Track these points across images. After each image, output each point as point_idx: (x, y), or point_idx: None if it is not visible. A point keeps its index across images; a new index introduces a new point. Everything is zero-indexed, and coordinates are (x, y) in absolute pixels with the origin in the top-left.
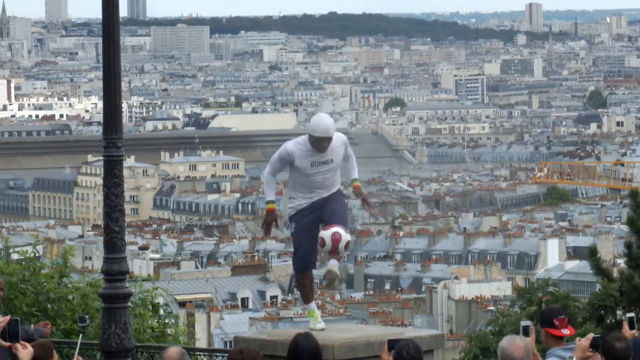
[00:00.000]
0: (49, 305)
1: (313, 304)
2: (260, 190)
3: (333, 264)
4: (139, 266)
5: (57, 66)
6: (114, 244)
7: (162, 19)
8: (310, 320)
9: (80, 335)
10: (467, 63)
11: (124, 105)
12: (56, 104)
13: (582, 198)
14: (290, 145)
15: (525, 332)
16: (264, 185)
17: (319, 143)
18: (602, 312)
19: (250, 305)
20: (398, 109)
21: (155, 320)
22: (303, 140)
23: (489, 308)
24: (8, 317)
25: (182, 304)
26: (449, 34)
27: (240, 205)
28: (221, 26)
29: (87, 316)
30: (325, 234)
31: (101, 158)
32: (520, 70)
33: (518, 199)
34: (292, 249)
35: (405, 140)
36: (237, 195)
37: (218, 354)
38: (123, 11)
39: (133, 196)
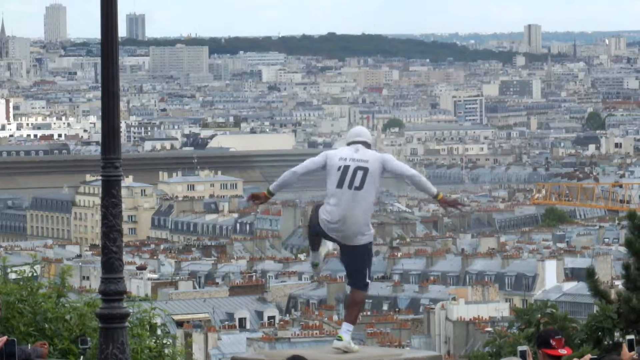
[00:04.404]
0: (46, 325)
1: None
2: (257, 210)
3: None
4: (136, 286)
5: (56, 86)
6: (111, 264)
7: (161, 39)
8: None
9: (81, 357)
10: (465, 84)
11: (123, 125)
12: (55, 123)
13: (580, 219)
14: None
15: (523, 356)
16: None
17: None
18: (599, 333)
19: (248, 326)
20: (396, 129)
21: (153, 340)
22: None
23: (486, 329)
24: (5, 338)
25: (179, 324)
26: (448, 55)
27: (238, 225)
28: (220, 46)
29: (88, 338)
30: None
31: (99, 178)
32: (519, 91)
33: (516, 220)
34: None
35: (404, 160)
36: (235, 215)
37: None
38: (122, 31)
39: (131, 216)
